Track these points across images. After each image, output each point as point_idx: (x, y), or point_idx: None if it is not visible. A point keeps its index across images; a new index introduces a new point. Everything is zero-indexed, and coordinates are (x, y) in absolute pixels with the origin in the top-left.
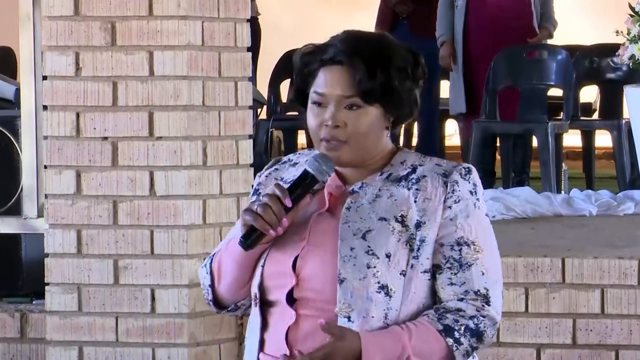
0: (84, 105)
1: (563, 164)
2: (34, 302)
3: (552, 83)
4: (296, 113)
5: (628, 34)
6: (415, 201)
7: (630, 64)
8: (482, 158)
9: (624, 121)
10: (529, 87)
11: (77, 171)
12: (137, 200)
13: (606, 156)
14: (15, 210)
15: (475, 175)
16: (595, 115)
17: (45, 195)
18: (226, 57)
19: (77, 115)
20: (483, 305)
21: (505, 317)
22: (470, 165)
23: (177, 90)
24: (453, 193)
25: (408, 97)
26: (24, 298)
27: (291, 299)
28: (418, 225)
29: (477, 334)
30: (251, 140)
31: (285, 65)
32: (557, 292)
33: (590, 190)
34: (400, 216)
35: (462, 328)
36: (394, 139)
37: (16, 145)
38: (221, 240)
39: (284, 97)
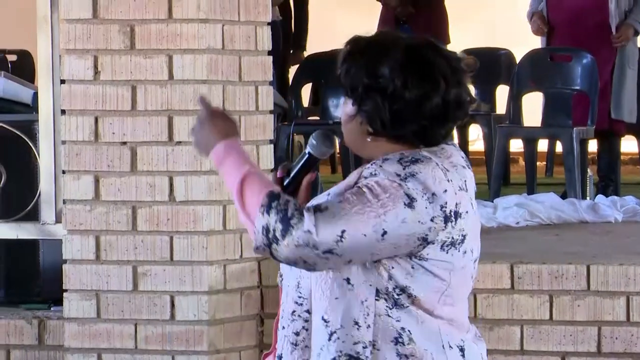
0: (103, 110)
1: (588, 170)
2: (52, 309)
3: (577, 87)
4: (317, 118)
5: None
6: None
7: None
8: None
9: None
10: (553, 92)
11: (96, 176)
12: (156, 206)
13: (632, 162)
14: (33, 216)
15: (421, 168)
16: None
17: (64, 200)
18: (247, 61)
19: (96, 119)
20: (308, 209)
21: (529, 324)
22: (428, 160)
23: (197, 95)
24: (372, 165)
25: (370, 105)
26: (41, 304)
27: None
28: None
29: (285, 222)
30: (272, 146)
31: (307, 70)
32: (582, 300)
33: (615, 197)
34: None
35: (280, 208)
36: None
37: (34, 150)
38: (241, 246)
39: (305, 102)
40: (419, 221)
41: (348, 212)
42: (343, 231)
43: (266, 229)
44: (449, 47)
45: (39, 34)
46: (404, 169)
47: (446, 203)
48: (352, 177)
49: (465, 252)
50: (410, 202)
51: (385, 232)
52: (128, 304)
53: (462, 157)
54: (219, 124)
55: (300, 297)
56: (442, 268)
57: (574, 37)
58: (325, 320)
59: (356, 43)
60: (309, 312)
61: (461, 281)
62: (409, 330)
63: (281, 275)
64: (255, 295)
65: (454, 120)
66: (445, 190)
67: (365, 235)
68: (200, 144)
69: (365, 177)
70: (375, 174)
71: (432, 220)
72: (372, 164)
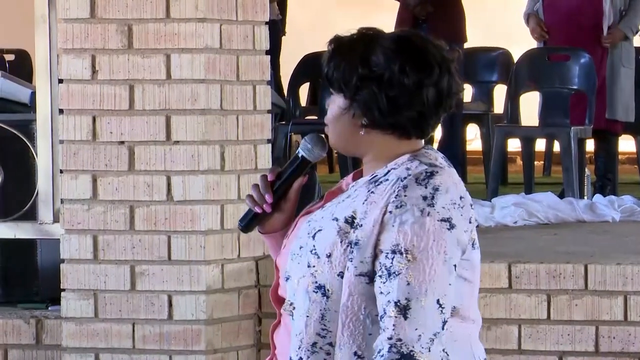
0: (100, 109)
1: (586, 169)
2: (49, 308)
3: (575, 87)
4: (315, 117)
5: None
6: (363, 203)
7: None
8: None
9: None
10: (551, 91)
11: (93, 176)
12: (154, 206)
13: (630, 161)
14: (31, 216)
15: (439, 180)
16: None
17: (61, 200)
18: (244, 61)
19: (94, 119)
20: (397, 317)
21: (527, 324)
22: (440, 169)
23: (195, 94)
24: (397, 198)
25: (366, 94)
26: (39, 304)
27: (278, 297)
28: (356, 227)
29: (402, 356)
30: (270, 145)
31: (305, 69)
32: (579, 299)
33: (613, 196)
34: (350, 217)
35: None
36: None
37: (32, 149)
38: (239, 246)
39: (303, 101)
40: (464, 231)
41: (423, 286)
42: (437, 300)
43: None
44: (466, 46)
45: (36, 33)
46: (426, 187)
47: (471, 200)
48: (374, 212)
49: (477, 248)
50: (450, 223)
51: (455, 265)
52: (126, 304)
53: (442, 157)
54: None
55: (324, 329)
56: (467, 268)
57: (570, 38)
58: (359, 357)
59: (340, 41)
60: (331, 344)
61: (478, 277)
62: (446, 352)
63: (292, 304)
64: (253, 294)
65: (445, 109)
66: (464, 189)
67: (450, 284)
68: None
69: (390, 212)
70: (402, 205)
71: (470, 222)
72: (396, 197)
